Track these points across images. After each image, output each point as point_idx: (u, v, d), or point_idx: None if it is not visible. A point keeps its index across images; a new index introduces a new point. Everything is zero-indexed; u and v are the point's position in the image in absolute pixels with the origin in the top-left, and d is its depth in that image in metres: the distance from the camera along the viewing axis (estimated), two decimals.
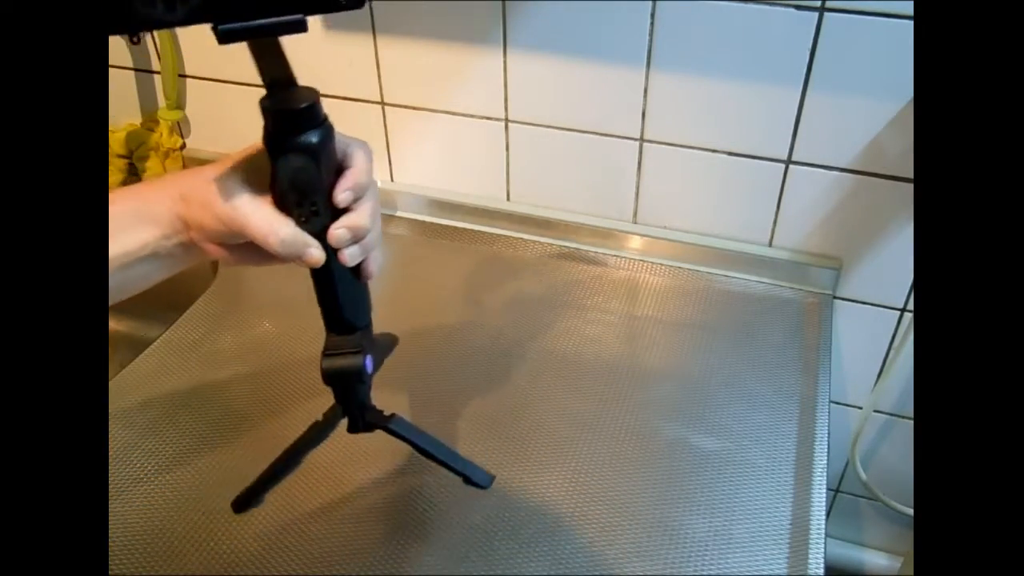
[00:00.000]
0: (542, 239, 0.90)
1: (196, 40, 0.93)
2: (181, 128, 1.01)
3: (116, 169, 1.00)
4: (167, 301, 0.94)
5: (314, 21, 0.85)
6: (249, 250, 0.46)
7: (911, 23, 0.66)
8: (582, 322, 0.78)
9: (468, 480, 0.58)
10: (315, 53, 0.87)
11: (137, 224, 0.45)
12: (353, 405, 0.52)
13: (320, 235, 0.44)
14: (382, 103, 0.88)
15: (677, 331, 0.77)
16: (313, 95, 0.42)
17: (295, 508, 0.60)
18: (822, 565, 0.56)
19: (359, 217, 0.45)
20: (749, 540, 0.58)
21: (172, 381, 0.72)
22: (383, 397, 0.69)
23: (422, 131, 0.89)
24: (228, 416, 0.68)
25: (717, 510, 0.60)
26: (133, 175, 1.01)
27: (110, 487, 0.61)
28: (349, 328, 0.49)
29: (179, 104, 0.98)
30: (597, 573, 0.55)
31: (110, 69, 0.99)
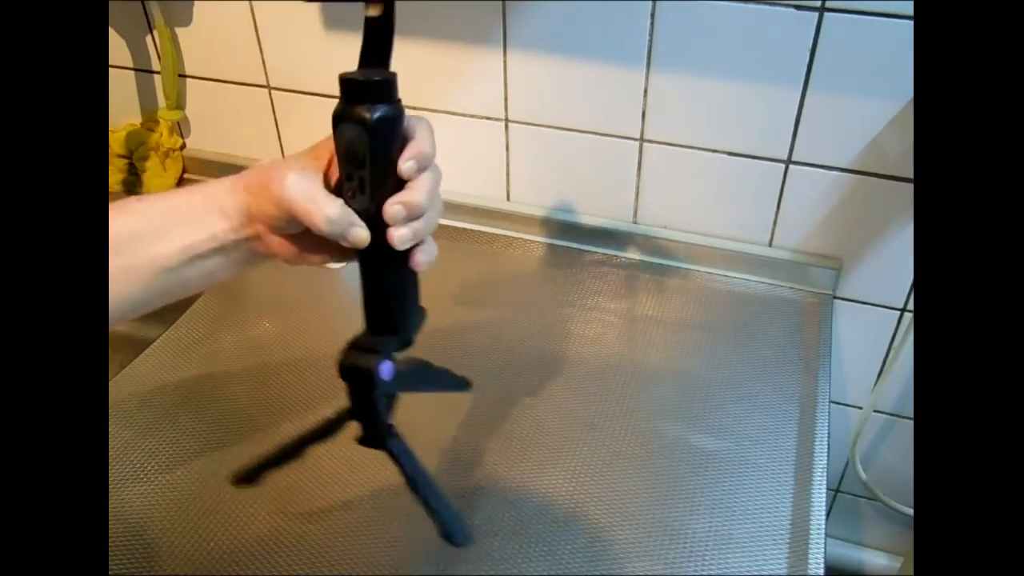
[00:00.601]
0: (542, 239, 0.90)
1: (196, 40, 0.93)
2: (181, 128, 1.01)
3: (116, 169, 1.00)
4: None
5: (314, 21, 0.85)
6: (309, 242, 0.46)
7: (911, 23, 0.66)
8: (582, 322, 0.78)
9: (444, 534, 0.51)
10: (315, 53, 0.87)
11: (205, 215, 0.45)
12: (362, 410, 0.49)
13: (368, 217, 0.44)
14: None
15: (677, 331, 0.77)
16: (389, 75, 0.43)
17: (295, 508, 0.60)
18: (822, 565, 0.56)
19: (416, 194, 0.44)
20: (749, 540, 0.58)
21: (172, 381, 0.72)
22: None
23: None
24: (228, 416, 0.68)
25: (717, 510, 0.60)
26: (133, 175, 1.01)
27: (110, 487, 0.61)
28: (384, 329, 0.48)
29: (179, 104, 0.98)
30: (597, 573, 0.55)
31: (110, 69, 0.99)
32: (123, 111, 1.02)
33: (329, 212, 0.43)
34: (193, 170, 1.02)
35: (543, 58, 0.79)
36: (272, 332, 0.78)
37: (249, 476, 0.56)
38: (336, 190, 0.45)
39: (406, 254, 0.46)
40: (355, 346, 0.47)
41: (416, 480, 0.51)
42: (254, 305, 0.82)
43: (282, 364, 0.73)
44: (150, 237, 0.44)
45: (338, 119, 0.43)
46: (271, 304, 0.81)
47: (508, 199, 0.91)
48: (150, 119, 1.01)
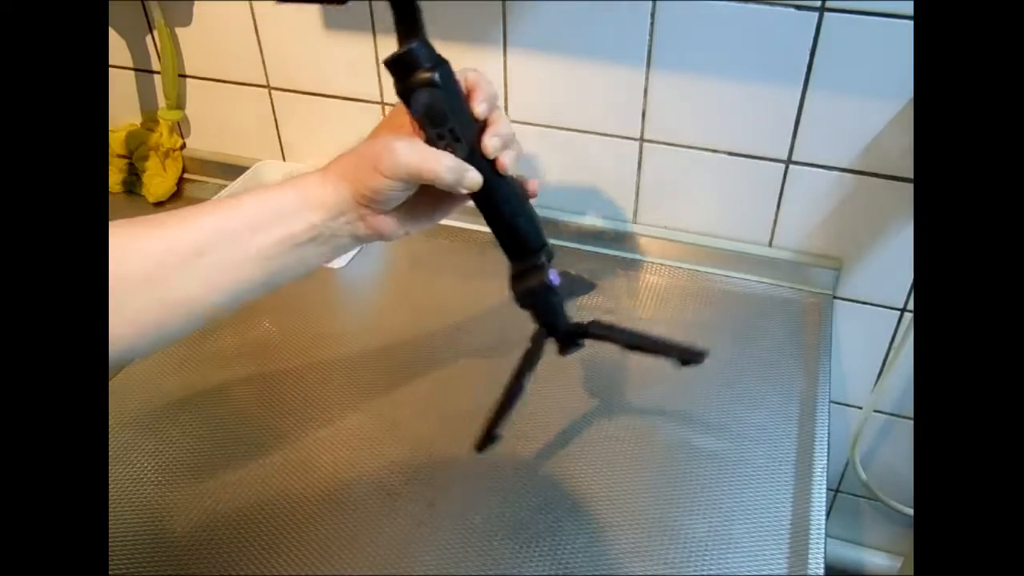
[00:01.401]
0: None
1: (196, 40, 0.93)
2: (181, 128, 1.01)
3: (116, 169, 1.00)
4: None
5: (314, 21, 0.85)
6: (413, 208, 0.50)
7: (911, 23, 0.66)
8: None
9: (685, 359, 0.58)
10: (315, 53, 0.87)
11: (303, 209, 0.47)
12: (554, 321, 0.54)
13: (469, 160, 0.48)
14: (382, 103, 0.88)
15: (677, 331, 0.77)
16: (421, 41, 0.47)
17: (295, 508, 0.60)
18: (822, 565, 0.56)
19: (502, 124, 0.50)
20: (749, 540, 0.58)
21: (172, 381, 0.72)
22: (383, 395, 0.69)
23: None
24: (228, 416, 0.68)
25: (717, 510, 0.60)
26: (133, 175, 1.01)
27: (110, 487, 0.61)
28: (526, 250, 0.52)
29: (179, 104, 0.98)
30: (597, 573, 0.55)
31: (110, 69, 0.99)
32: (123, 111, 1.02)
33: (447, 162, 0.47)
34: (193, 170, 1.02)
35: (543, 58, 0.79)
36: (272, 332, 0.78)
37: (487, 439, 0.57)
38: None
39: (508, 179, 0.51)
40: (516, 276, 0.53)
41: (632, 341, 0.56)
42: (254, 305, 0.82)
43: (282, 364, 0.73)
44: (249, 230, 0.46)
45: (408, 92, 0.47)
46: (271, 304, 0.81)
47: None
48: (150, 119, 1.01)
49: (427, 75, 0.46)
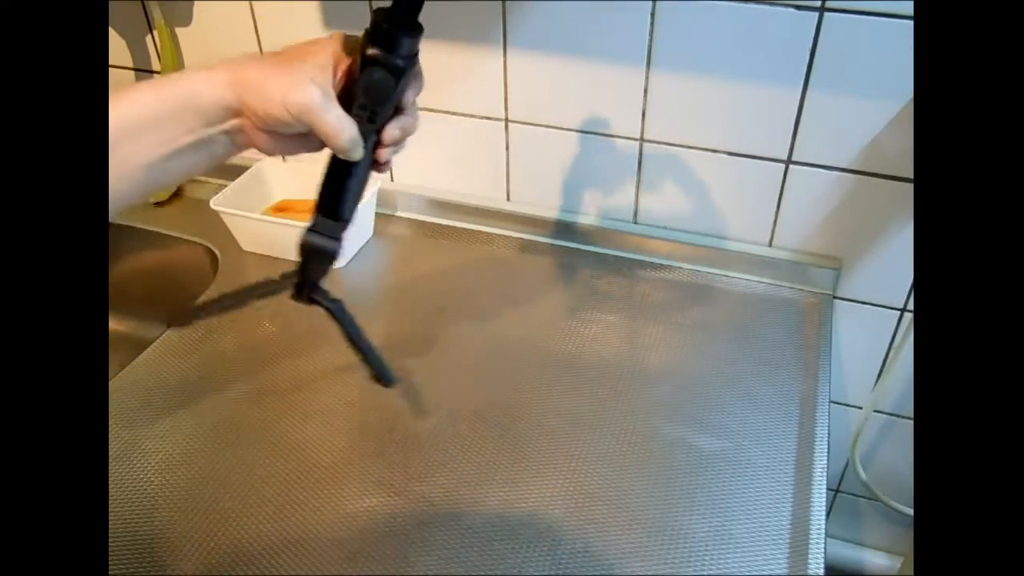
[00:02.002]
0: (542, 239, 0.90)
1: (196, 40, 0.93)
2: None
3: None
4: (167, 301, 0.94)
5: (314, 21, 0.85)
6: (294, 140, 0.49)
7: (911, 23, 0.66)
8: (582, 322, 0.78)
9: (376, 377, 0.59)
10: None
11: (182, 112, 0.45)
12: (311, 279, 0.56)
13: (365, 136, 0.49)
14: None
15: (677, 331, 0.77)
16: (419, 30, 0.48)
17: (295, 508, 0.60)
18: (822, 565, 0.56)
19: (413, 121, 0.52)
20: (749, 540, 0.58)
21: (172, 381, 0.72)
22: (382, 395, 0.69)
23: (422, 131, 0.88)
24: (228, 416, 0.68)
25: (717, 510, 0.60)
26: None
27: (110, 487, 0.61)
28: (339, 217, 0.53)
29: None
30: (597, 573, 0.55)
31: (110, 69, 0.99)
32: None
33: (350, 133, 0.48)
34: None
35: (543, 58, 0.79)
36: (272, 332, 0.78)
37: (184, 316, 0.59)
38: (342, 106, 0.48)
39: (373, 159, 0.52)
40: (318, 230, 0.53)
41: (352, 335, 0.58)
42: (254, 305, 0.82)
43: (282, 364, 0.73)
44: (128, 135, 0.44)
45: (370, 60, 0.47)
46: (271, 304, 0.81)
47: (508, 199, 0.91)
48: None
49: (397, 63, 0.48)
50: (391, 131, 0.50)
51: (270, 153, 0.50)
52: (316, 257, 0.54)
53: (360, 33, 0.49)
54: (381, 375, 0.59)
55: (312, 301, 0.57)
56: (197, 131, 0.46)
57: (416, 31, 0.49)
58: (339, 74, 0.49)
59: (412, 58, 0.49)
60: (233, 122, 0.47)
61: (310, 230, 0.53)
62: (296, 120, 0.46)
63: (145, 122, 0.45)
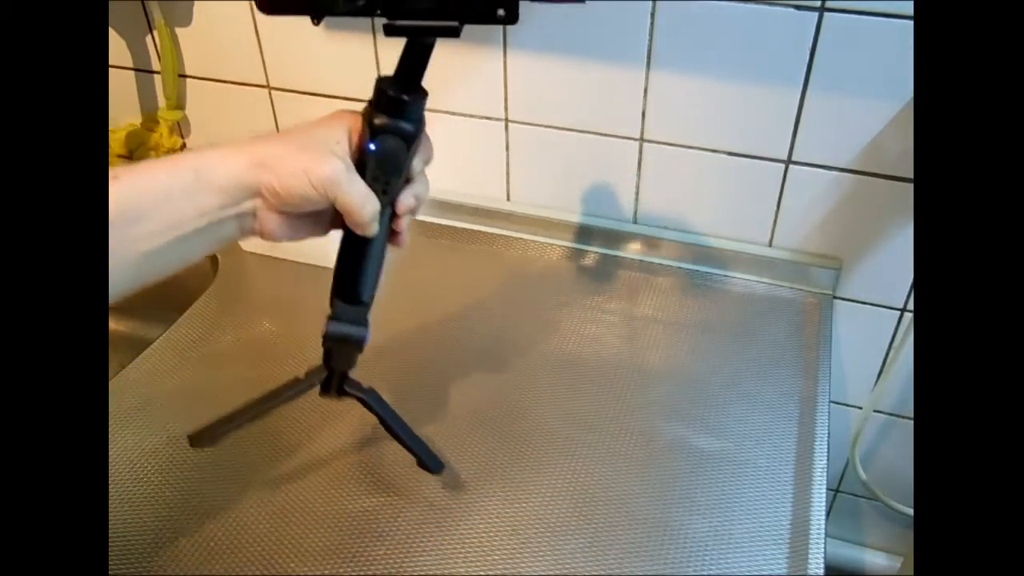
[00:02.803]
0: (542, 239, 0.90)
1: (196, 40, 0.93)
2: (181, 128, 1.01)
3: None
4: (167, 301, 0.94)
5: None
6: (304, 222, 0.48)
7: (911, 23, 0.66)
8: (582, 322, 0.78)
9: (421, 463, 0.59)
10: (315, 53, 0.87)
11: (195, 192, 0.43)
12: (340, 370, 0.55)
13: (381, 208, 0.49)
14: None
15: (677, 331, 0.77)
16: (423, 95, 0.48)
17: (295, 509, 0.60)
18: (822, 565, 0.56)
19: (424, 188, 0.51)
20: (749, 540, 0.58)
21: (172, 381, 0.72)
22: (382, 395, 0.69)
23: None
24: None
25: (717, 510, 0.60)
26: None
27: (110, 487, 0.61)
28: (359, 300, 0.52)
29: (179, 104, 0.98)
30: (597, 573, 0.55)
31: (110, 69, 0.99)
32: (123, 111, 1.02)
33: (372, 207, 0.47)
34: None
35: (543, 58, 0.79)
36: (272, 332, 0.78)
37: (205, 436, 0.57)
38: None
39: (389, 233, 0.51)
40: (340, 318, 0.52)
41: (391, 424, 0.57)
42: (254, 305, 0.82)
43: (282, 364, 0.73)
44: (128, 220, 0.41)
45: (380, 129, 0.47)
46: (271, 304, 0.81)
47: (508, 199, 0.91)
48: (150, 119, 1.01)
49: (407, 129, 0.47)
50: (405, 200, 0.50)
51: (275, 239, 0.47)
52: (343, 347, 0.52)
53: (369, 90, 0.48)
54: (426, 462, 0.58)
55: (344, 394, 0.55)
56: (209, 213, 0.43)
57: (422, 95, 0.48)
58: (354, 146, 0.48)
59: (420, 122, 0.48)
60: (248, 203, 0.45)
61: (332, 319, 0.51)
62: (320, 195, 0.45)
63: (156, 200, 0.42)
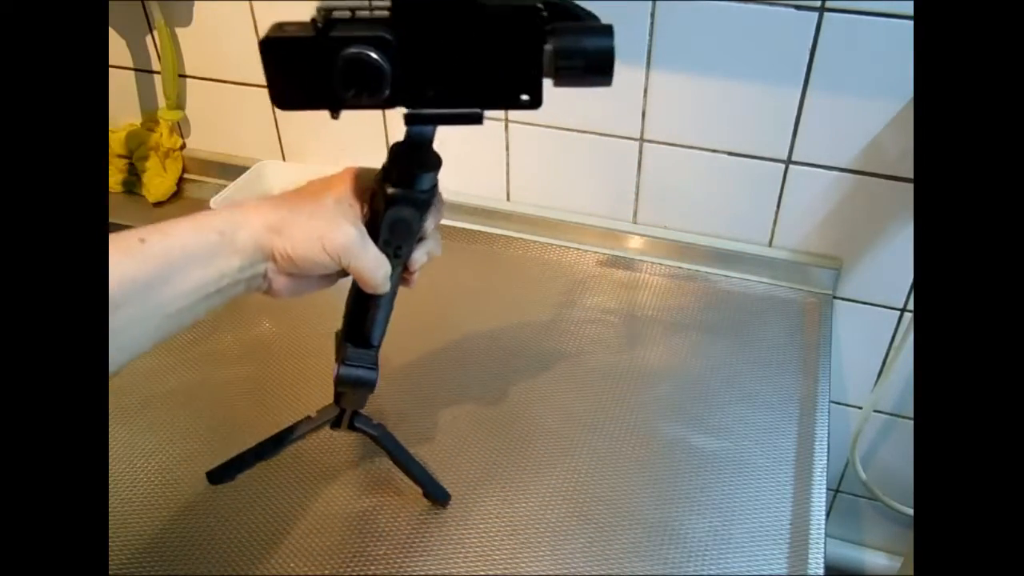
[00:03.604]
0: (542, 239, 0.90)
1: (196, 40, 0.93)
2: (181, 128, 1.01)
3: (116, 169, 1.00)
4: None
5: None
6: (313, 282, 0.48)
7: (911, 23, 0.66)
8: (582, 322, 0.78)
9: (427, 494, 0.59)
10: None
11: (219, 255, 0.43)
12: (351, 409, 0.56)
13: (393, 268, 0.49)
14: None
15: (677, 331, 0.77)
16: (438, 165, 0.47)
17: (295, 508, 0.60)
18: (822, 565, 0.56)
19: (437, 245, 0.51)
20: (749, 540, 0.58)
21: (172, 381, 0.72)
22: (382, 395, 0.69)
23: None
24: (228, 416, 0.68)
25: (717, 510, 0.60)
26: (133, 175, 1.00)
27: (110, 487, 0.61)
28: (371, 345, 0.52)
29: (179, 104, 0.98)
30: (597, 573, 0.55)
31: (110, 69, 0.99)
32: (123, 111, 1.02)
33: (386, 272, 0.48)
34: (193, 170, 1.02)
35: None
36: (272, 332, 0.77)
37: (222, 475, 0.58)
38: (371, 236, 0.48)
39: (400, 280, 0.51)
40: (352, 363, 0.52)
41: (401, 459, 0.58)
42: (254, 305, 0.82)
43: (282, 364, 0.73)
44: (156, 283, 0.41)
45: (394, 200, 0.47)
46: (271, 304, 0.81)
47: (508, 199, 0.91)
48: (150, 119, 1.01)
49: (419, 198, 0.47)
50: (418, 257, 0.50)
51: (282, 297, 0.48)
52: (355, 389, 0.53)
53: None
54: (433, 494, 0.59)
55: (354, 429, 0.56)
56: (230, 274, 0.43)
57: (436, 165, 0.47)
58: (363, 209, 0.48)
59: (434, 189, 0.48)
60: (262, 266, 0.45)
61: (344, 363, 0.52)
62: (334, 261, 0.45)
63: (182, 263, 0.41)
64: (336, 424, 0.56)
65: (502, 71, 0.41)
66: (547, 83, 0.43)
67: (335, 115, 0.43)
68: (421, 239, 0.50)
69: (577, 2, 0.44)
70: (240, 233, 0.44)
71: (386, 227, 0.47)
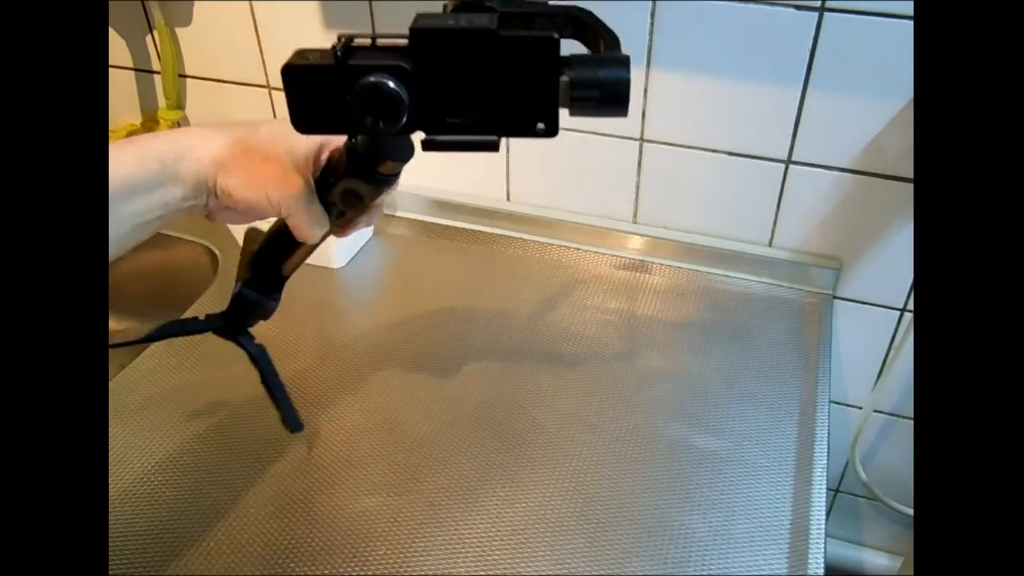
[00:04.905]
0: (542, 239, 0.90)
1: (196, 40, 0.93)
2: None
3: None
4: (167, 301, 0.94)
5: (314, 21, 0.85)
6: (251, 217, 0.49)
7: (911, 23, 0.66)
8: (582, 322, 0.78)
9: (284, 421, 0.60)
10: None
11: (159, 184, 0.43)
12: (240, 327, 0.57)
13: (332, 228, 0.50)
14: None
15: (677, 331, 0.77)
16: (410, 153, 0.48)
17: (295, 508, 0.60)
18: (822, 565, 0.56)
19: (378, 215, 0.52)
20: (749, 540, 0.58)
21: (172, 381, 0.72)
22: (383, 395, 0.69)
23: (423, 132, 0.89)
24: (228, 416, 0.68)
25: (717, 510, 0.60)
26: None
27: (110, 487, 0.61)
28: (279, 275, 0.54)
29: (179, 104, 0.98)
30: (597, 573, 0.55)
31: (110, 69, 0.99)
32: (123, 111, 1.02)
33: (321, 232, 0.48)
34: None
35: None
36: (272, 332, 0.77)
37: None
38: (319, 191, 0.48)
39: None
40: (256, 286, 0.55)
41: (269, 379, 0.60)
42: None
43: (282, 364, 0.73)
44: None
45: (354, 173, 0.47)
46: None
47: (508, 199, 0.91)
48: (150, 119, 1.01)
49: (382, 179, 0.47)
50: (357, 222, 0.51)
51: (219, 223, 0.49)
52: (250, 310, 0.55)
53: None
54: (287, 421, 0.60)
55: (238, 343, 0.58)
56: (171, 204, 0.44)
57: (405, 157, 0.48)
58: (322, 160, 0.48)
59: (396, 175, 0.49)
60: (205, 197, 0.45)
61: (248, 283, 0.54)
62: (274, 209, 0.46)
63: (122, 193, 0.42)
64: (224, 334, 0.57)
65: (518, 100, 0.42)
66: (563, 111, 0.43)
67: (351, 140, 0.45)
68: (367, 208, 0.51)
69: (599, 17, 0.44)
70: (183, 164, 0.44)
71: (338, 193, 0.48)
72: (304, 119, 0.41)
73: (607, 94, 0.42)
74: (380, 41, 0.40)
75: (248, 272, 0.54)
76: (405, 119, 0.39)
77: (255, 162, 0.45)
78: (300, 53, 0.40)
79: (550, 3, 0.46)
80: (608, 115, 0.42)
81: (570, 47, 0.44)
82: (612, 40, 0.45)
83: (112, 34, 0.96)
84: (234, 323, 0.57)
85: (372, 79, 0.38)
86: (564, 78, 0.42)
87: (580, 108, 0.43)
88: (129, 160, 0.43)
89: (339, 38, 0.39)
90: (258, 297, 0.54)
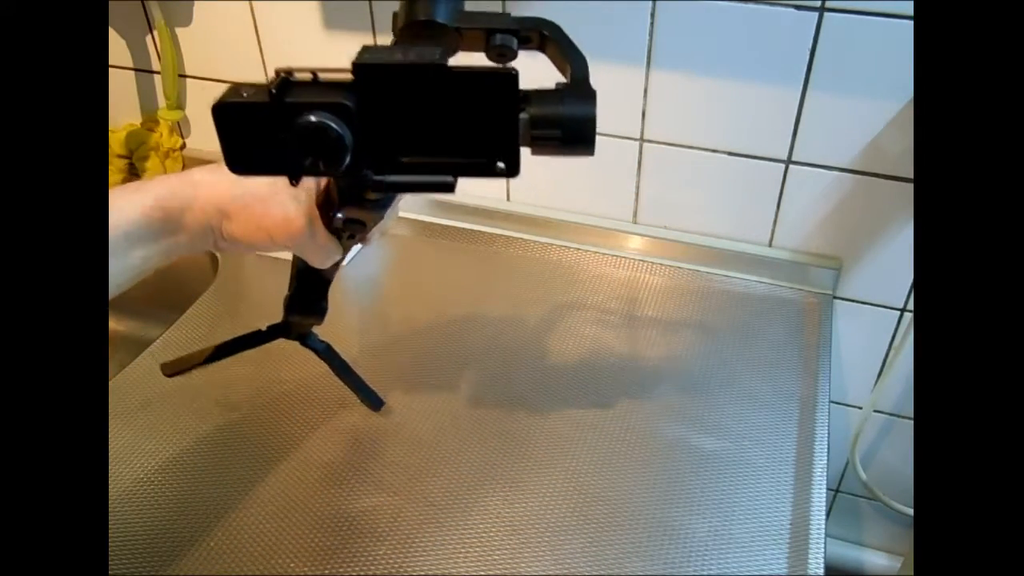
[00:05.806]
0: (542, 239, 0.90)
1: (196, 40, 0.93)
2: (181, 128, 1.01)
3: (116, 169, 1.00)
4: (167, 301, 0.95)
5: (314, 21, 0.85)
6: (258, 251, 0.51)
7: (911, 23, 0.66)
8: (582, 322, 0.78)
9: (363, 400, 0.66)
10: (315, 53, 0.87)
11: (163, 235, 0.44)
12: (302, 337, 0.63)
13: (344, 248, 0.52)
14: None
15: (677, 331, 0.77)
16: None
17: (295, 508, 0.60)
18: (822, 565, 0.56)
19: (390, 220, 0.52)
20: (749, 540, 0.58)
21: (172, 381, 0.72)
22: (383, 395, 0.69)
23: None
24: (228, 416, 0.68)
25: (717, 510, 0.60)
26: (133, 175, 1.01)
27: (110, 487, 0.61)
28: (323, 286, 0.57)
29: (179, 104, 0.98)
30: (597, 573, 0.55)
31: (110, 69, 0.99)
32: (123, 111, 1.02)
33: (332, 260, 0.51)
34: None
35: (543, 58, 0.79)
36: None
37: (177, 370, 0.62)
38: (323, 220, 0.49)
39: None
40: (296, 308, 0.59)
41: (340, 371, 0.65)
42: (254, 305, 0.82)
43: (282, 364, 0.73)
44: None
45: (353, 202, 0.47)
46: (271, 304, 0.81)
47: (508, 199, 0.91)
48: (150, 119, 1.01)
49: (380, 200, 0.47)
50: (372, 239, 0.52)
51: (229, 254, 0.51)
52: (302, 317, 0.59)
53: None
54: (368, 399, 0.66)
55: (304, 344, 0.63)
56: (176, 250, 0.45)
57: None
58: (322, 184, 0.48)
59: (393, 198, 0.48)
60: (209, 240, 0.46)
61: (294, 295, 0.57)
62: (281, 247, 0.47)
63: (126, 241, 0.42)
64: (284, 335, 0.62)
65: (475, 138, 0.38)
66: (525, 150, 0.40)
67: (294, 183, 0.41)
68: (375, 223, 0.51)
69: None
70: (188, 215, 0.44)
71: (340, 223, 0.47)
72: (239, 160, 0.38)
73: (570, 133, 0.39)
74: (323, 76, 0.37)
75: (295, 282, 0.56)
76: (349, 160, 0.36)
77: (255, 208, 0.45)
78: (234, 89, 0.37)
79: (513, 16, 0.43)
80: (573, 155, 0.39)
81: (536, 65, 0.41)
82: (580, 64, 0.41)
83: (112, 34, 0.96)
84: (289, 329, 0.61)
85: (311, 118, 0.35)
86: (524, 115, 0.39)
87: (542, 147, 0.39)
88: (133, 210, 0.43)
89: (276, 73, 0.36)
90: (306, 306, 0.57)
